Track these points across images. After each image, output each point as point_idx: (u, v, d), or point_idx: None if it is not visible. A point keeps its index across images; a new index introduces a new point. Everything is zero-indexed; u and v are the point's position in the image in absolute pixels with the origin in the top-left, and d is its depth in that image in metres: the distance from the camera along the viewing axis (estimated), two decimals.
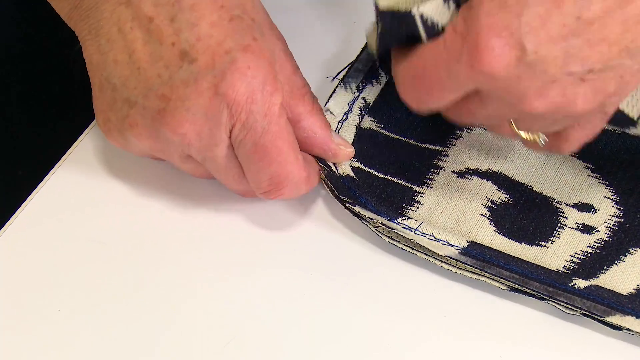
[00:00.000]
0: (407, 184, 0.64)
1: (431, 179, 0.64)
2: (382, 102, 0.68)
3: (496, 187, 0.64)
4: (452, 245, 0.60)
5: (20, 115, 0.80)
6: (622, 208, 0.63)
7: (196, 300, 0.59)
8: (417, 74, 0.55)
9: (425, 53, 0.55)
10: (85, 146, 0.66)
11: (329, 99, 0.66)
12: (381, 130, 0.67)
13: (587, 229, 0.62)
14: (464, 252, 0.60)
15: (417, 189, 0.64)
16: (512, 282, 0.59)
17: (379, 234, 0.61)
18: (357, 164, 0.64)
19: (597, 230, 0.62)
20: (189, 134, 0.57)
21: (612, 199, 0.63)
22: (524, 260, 0.59)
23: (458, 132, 0.67)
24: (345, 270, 0.61)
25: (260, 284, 0.60)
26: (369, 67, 0.68)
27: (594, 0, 0.50)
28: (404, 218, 0.61)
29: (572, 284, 0.58)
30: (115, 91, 0.59)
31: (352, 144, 0.65)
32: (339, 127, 0.65)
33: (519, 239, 0.62)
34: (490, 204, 0.63)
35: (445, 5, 0.54)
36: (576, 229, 0.62)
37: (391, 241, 0.61)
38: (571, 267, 0.60)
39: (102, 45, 0.59)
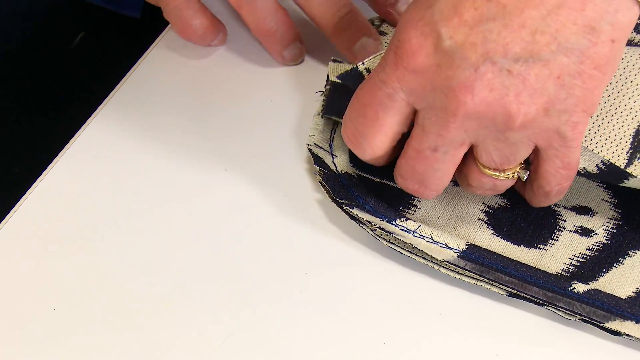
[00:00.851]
0: None
1: None
2: None
3: None
4: (450, 248, 0.60)
5: (18, 111, 0.80)
6: (620, 211, 0.63)
7: (193, 298, 0.59)
8: (354, 105, 0.56)
9: (361, 83, 0.56)
10: (83, 142, 0.66)
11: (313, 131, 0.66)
12: None
13: (585, 231, 0.62)
14: (463, 255, 0.59)
15: (411, 207, 0.63)
16: (511, 287, 0.59)
17: (377, 237, 0.61)
18: (354, 169, 0.64)
19: (596, 233, 0.62)
20: None
21: (610, 202, 0.63)
22: (522, 263, 0.59)
23: None
24: (341, 270, 0.61)
25: (256, 284, 0.59)
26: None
27: None
28: (402, 219, 0.60)
29: (571, 288, 0.58)
30: None
31: (349, 155, 0.65)
32: (331, 141, 0.65)
33: (517, 242, 0.61)
34: (487, 209, 0.63)
35: None
36: (575, 231, 0.62)
37: (389, 244, 0.61)
38: (570, 270, 0.60)
39: None
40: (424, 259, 0.61)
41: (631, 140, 0.57)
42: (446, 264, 0.60)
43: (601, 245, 0.61)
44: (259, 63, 0.70)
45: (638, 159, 0.58)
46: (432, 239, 0.60)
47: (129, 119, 0.67)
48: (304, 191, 0.64)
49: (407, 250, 0.61)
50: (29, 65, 0.86)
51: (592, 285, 0.59)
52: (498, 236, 0.62)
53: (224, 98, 0.68)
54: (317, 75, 0.69)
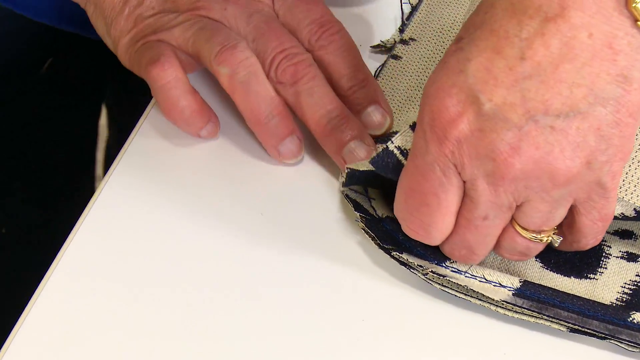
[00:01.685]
0: None
1: None
2: None
3: None
4: (504, 287, 0.59)
5: None
6: None
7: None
8: (409, 197, 0.55)
9: (404, 173, 0.55)
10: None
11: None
12: None
13: (631, 256, 0.62)
14: (518, 293, 0.58)
15: None
16: (571, 322, 0.58)
17: (429, 281, 0.60)
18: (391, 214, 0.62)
19: None
20: None
21: None
22: (578, 296, 0.59)
23: None
24: (399, 316, 0.60)
25: (315, 335, 0.58)
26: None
27: (533, 38, 0.49)
28: (452, 261, 0.59)
29: (630, 318, 0.58)
30: None
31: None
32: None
33: (567, 273, 0.61)
34: None
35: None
36: (621, 257, 0.62)
37: (442, 288, 0.60)
38: (624, 300, 0.60)
39: None
40: (480, 300, 0.59)
41: None
42: (503, 304, 0.59)
43: None
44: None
45: None
46: (485, 279, 0.59)
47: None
48: (342, 235, 0.62)
49: (462, 293, 0.60)
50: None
51: None
52: (547, 269, 0.61)
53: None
54: None
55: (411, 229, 0.56)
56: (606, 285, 0.60)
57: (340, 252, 0.62)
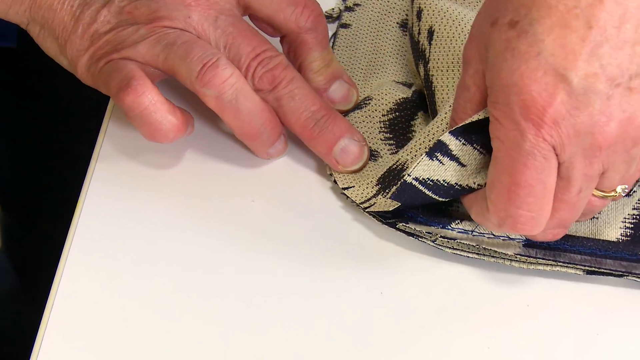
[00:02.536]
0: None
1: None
2: None
3: None
4: (513, 239, 0.58)
5: None
6: None
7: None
8: (513, 193, 0.53)
9: (499, 171, 0.53)
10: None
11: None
12: None
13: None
14: (528, 243, 0.58)
15: (453, 204, 0.62)
16: (587, 265, 0.58)
17: (440, 247, 0.59)
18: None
19: (634, 191, 0.61)
20: None
21: None
22: (587, 237, 0.59)
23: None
24: (420, 283, 0.59)
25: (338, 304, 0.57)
26: None
27: (593, 5, 0.50)
28: (457, 222, 0.58)
29: None
30: None
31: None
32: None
33: None
34: None
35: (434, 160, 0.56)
36: None
37: (454, 251, 0.59)
38: (629, 234, 0.60)
39: None
40: (493, 257, 0.59)
41: None
42: (517, 257, 0.58)
43: None
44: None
45: None
46: (493, 234, 0.58)
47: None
48: (338, 219, 0.62)
49: (474, 253, 0.59)
50: None
51: None
52: None
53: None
54: None
55: (520, 224, 0.53)
56: (607, 223, 0.61)
57: (337, 237, 0.61)
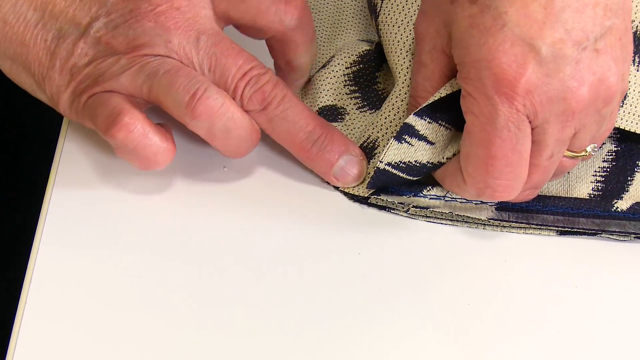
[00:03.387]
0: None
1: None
2: None
3: None
4: (485, 203, 0.58)
5: None
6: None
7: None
8: (486, 163, 0.53)
9: (476, 145, 0.53)
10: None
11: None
12: None
13: None
14: (501, 207, 0.58)
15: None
16: (559, 226, 0.58)
17: (413, 217, 0.59)
18: None
19: (604, 143, 0.61)
20: None
21: None
22: (558, 197, 0.59)
23: None
24: (405, 252, 0.58)
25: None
26: None
27: None
28: (428, 189, 0.58)
29: (614, 208, 0.58)
30: None
31: None
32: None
33: None
34: None
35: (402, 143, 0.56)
36: None
37: (428, 220, 0.59)
38: (600, 188, 0.60)
39: None
40: (467, 222, 0.59)
41: None
42: (490, 222, 0.58)
43: (613, 153, 0.61)
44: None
45: None
46: (465, 199, 0.58)
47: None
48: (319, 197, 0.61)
49: (448, 219, 0.59)
50: None
51: (628, 198, 0.59)
52: None
53: None
54: None
55: (498, 192, 0.54)
56: (579, 178, 0.60)
57: (313, 200, 0.60)
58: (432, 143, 0.56)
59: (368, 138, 0.60)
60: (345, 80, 0.62)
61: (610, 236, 0.59)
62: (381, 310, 0.56)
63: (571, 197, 0.59)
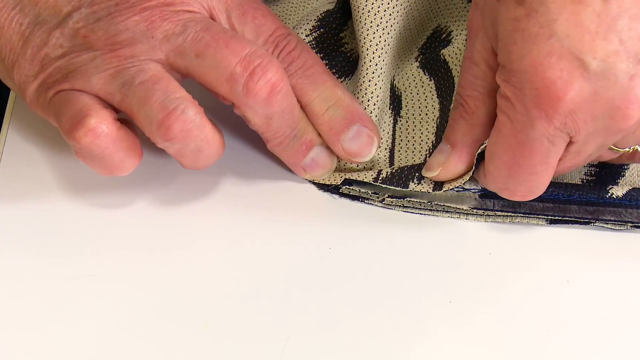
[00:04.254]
0: None
1: None
2: None
3: None
4: (468, 190, 0.53)
5: None
6: None
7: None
8: (509, 169, 0.50)
9: (502, 149, 0.50)
10: None
11: None
12: None
13: None
14: (485, 193, 0.53)
15: None
16: (549, 214, 0.54)
17: (390, 207, 0.54)
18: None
19: None
20: None
21: None
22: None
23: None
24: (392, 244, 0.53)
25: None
26: None
27: None
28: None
29: (609, 194, 0.54)
30: None
31: None
32: None
33: None
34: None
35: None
36: None
37: (405, 210, 0.55)
38: (593, 173, 0.55)
39: None
40: (447, 212, 0.54)
41: None
42: (474, 211, 0.53)
43: None
44: None
45: None
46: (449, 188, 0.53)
47: None
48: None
49: (427, 209, 0.54)
50: None
51: (624, 183, 0.54)
52: None
53: None
54: None
55: (518, 195, 0.51)
56: None
57: (284, 192, 0.56)
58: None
59: None
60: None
61: (605, 225, 0.54)
62: (355, 308, 0.51)
63: (562, 183, 0.54)
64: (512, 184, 0.50)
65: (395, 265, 0.53)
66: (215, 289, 0.52)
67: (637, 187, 0.54)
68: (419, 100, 0.58)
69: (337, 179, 0.55)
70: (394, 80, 0.58)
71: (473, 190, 0.53)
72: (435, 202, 0.53)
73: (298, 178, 0.56)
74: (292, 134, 0.53)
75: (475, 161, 0.52)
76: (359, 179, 0.54)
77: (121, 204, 0.55)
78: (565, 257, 0.53)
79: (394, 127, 0.57)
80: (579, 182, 0.55)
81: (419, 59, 0.59)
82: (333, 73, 0.56)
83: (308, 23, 0.57)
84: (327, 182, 0.55)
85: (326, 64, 0.57)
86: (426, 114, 0.57)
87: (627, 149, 0.51)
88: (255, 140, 0.56)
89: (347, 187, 0.54)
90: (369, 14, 0.55)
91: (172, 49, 0.50)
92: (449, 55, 0.58)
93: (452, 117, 0.53)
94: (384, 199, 0.54)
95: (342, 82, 0.56)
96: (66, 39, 0.51)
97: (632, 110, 0.46)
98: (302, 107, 0.54)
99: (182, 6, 0.51)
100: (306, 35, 0.57)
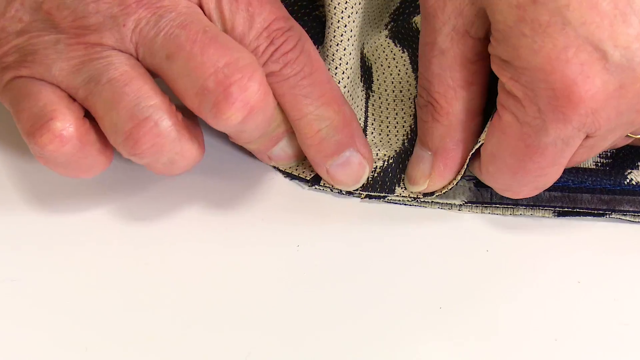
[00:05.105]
0: None
1: None
2: None
3: None
4: (462, 178, 0.46)
5: None
6: None
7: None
8: (514, 172, 0.44)
9: (499, 141, 0.44)
10: None
11: None
12: None
13: None
14: (481, 182, 0.47)
15: None
16: (557, 205, 0.47)
17: (369, 199, 0.48)
18: None
19: None
20: None
21: None
22: None
23: None
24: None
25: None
26: None
27: None
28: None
29: (627, 180, 0.47)
30: None
31: None
32: None
33: None
34: None
35: None
36: None
37: (388, 201, 0.48)
38: (610, 154, 0.48)
39: None
40: (437, 203, 0.48)
41: None
42: (468, 204, 0.47)
43: None
44: None
45: None
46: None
47: None
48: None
49: (413, 200, 0.48)
50: None
51: None
52: None
53: None
54: None
55: (521, 195, 0.46)
56: None
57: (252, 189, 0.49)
58: None
59: None
60: None
61: (623, 217, 0.47)
62: (327, 318, 0.44)
63: (572, 167, 0.47)
64: (515, 186, 0.45)
65: (376, 266, 0.46)
66: (164, 296, 0.45)
67: None
68: (391, 75, 0.51)
69: (307, 173, 0.48)
70: (364, 48, 0.51)
71: (467, 178, 0.46)
72: (422, 200, 0.47)
73: (260, 164, 0.49)
74: (263, 134, 0.46)
75: (467, 161, 0.45)
76: None
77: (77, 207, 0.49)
78: (576, 255, 0.46)
79: (366, 103, 0.50)
80: (592, 167, 0.47)
81: (389, 27, 0.52)
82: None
83: None
84: (295, 173, 0.48)
85: None
86: (400, 91, 0.50)
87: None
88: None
89: (318, 186, 0.47)
90: None
91: (142, 43, 0.43)
92: None
93: (422, 119, 0.46)
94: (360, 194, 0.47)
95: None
96: (27, 12, 0.44)
97: None
98: (290, 120, 0.46)
99: None
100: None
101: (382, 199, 0.47)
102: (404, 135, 0.49)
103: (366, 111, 0.50)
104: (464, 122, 0.45)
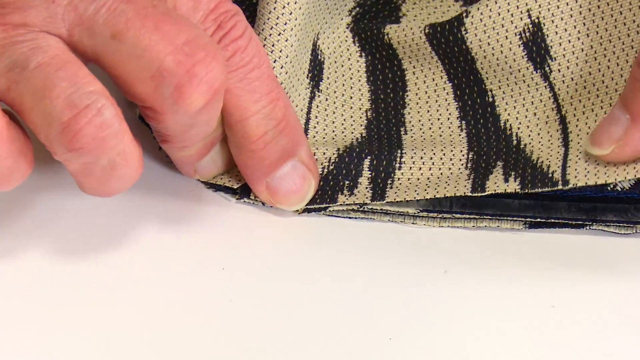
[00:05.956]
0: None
1: None
2: None
3: None
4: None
5: None
6: None
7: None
8: None
9: None
10: None
11: None
12: None
13: None
14: None
15: None
16: (529, 215, 0.42)
17: (307, 213, 0.43)
18: None
19: None
20: None
21: None
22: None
23: None
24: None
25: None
26: None
27: None
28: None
29: (611, 186, 0.41)
30: None
31: None
32: None
33: None
34: None
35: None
36: None
37: (329, 214, 0.43)
38: None
39: None
40: (387, 214, 0.42)
41: None
42: (423, 214, 0.42)
43: None
44: None
45: None
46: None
47: None
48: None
49: (358, 211, 0.42)
50: None
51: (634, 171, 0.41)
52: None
53: None
54: None
55: None
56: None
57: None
58: None
59: None
60: None
61: (606, 229, 0.41)
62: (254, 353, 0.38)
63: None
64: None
65: (315, 290, 0.40)
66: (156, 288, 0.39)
67: None
68: (343, 76, 0.45)
69: (233, 182, 0.42)
70: (318, 39, 0.45)
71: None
72: (370, 208, 0.41)
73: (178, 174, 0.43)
74: (205, 136, 0.41)
75: None
76: None
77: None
78: (551, 274, 0.41)
79: (310, 102, 0.44)
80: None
81: (352, 13, 0.46)
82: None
83: None
84: (220, 183, 0.42)
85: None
86: (351, 98, 0.45)
87: None
88: None
89: (247, 199, 0.42)
90: None
91: (78, 21, 0.38)
92: (397, 39, 0.45)
93: (636, 78, 0.40)
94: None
95: None
96: None
97: None
98: (230, 122, 0.41)
99: None
100: None
101: (322, 211, 0.41)
102: (352, 140, 0.43)
103: (309, 112, 0.44)
104: None
